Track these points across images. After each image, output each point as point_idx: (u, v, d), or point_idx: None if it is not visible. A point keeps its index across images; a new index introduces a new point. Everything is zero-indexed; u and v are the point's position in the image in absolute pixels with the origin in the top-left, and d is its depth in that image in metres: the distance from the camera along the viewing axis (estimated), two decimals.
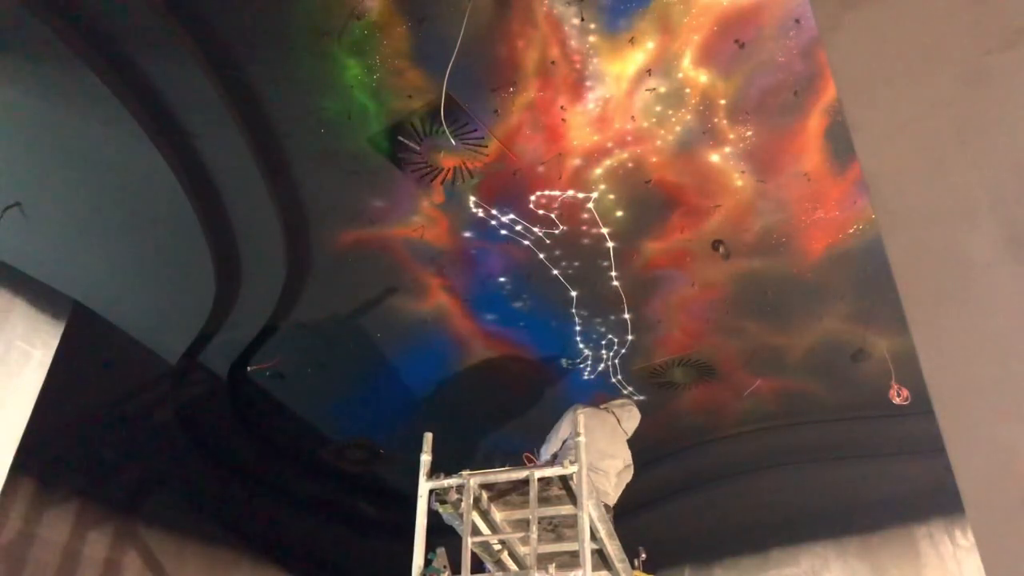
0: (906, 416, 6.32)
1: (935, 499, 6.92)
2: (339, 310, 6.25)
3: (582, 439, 3.82)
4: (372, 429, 7.71)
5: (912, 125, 1.89)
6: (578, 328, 6.32)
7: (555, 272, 5.74)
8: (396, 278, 5.94)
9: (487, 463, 4.11)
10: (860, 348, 6.27)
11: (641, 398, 6.88)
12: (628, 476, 5.26)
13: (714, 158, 4.87)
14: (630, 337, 6.36)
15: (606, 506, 4.73)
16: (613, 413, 5.43)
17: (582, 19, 4.10)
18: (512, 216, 5.36)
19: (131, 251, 5.43)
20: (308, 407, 7.44)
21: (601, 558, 4.34)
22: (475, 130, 4.72)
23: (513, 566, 4.26)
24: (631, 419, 5.50)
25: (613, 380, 6.79)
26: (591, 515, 3.79)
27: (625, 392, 6.84)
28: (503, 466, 3.93)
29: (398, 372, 6.95)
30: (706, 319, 6.22)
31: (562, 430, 5.14)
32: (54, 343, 5.57)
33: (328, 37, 4.21)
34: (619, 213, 5.28)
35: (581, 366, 6.74)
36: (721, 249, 5.39)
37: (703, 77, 4.41)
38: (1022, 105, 1.77)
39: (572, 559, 4.08)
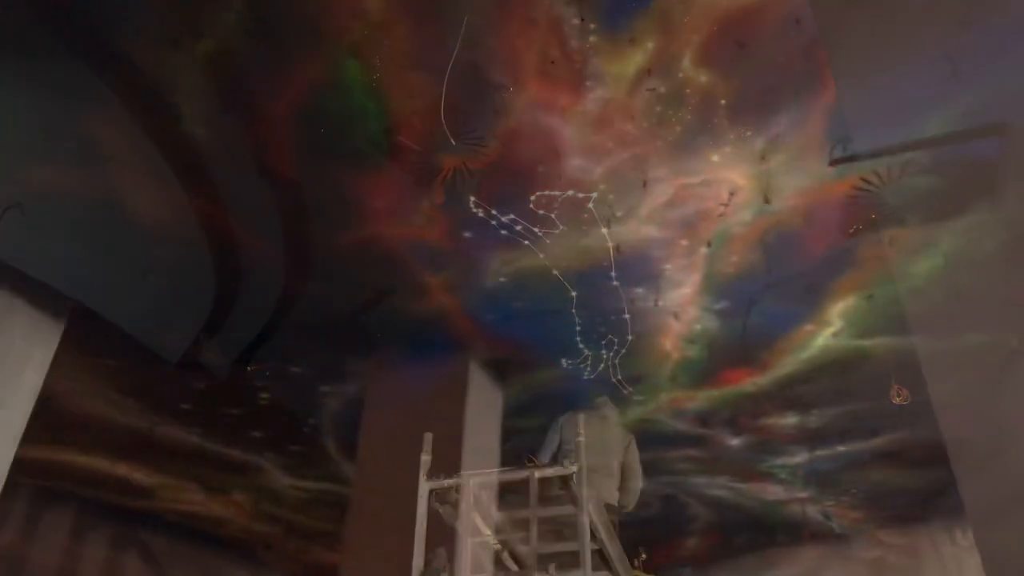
0: (909, 416, 6.32)
1: (935, 499, 6.93)
2: (339, 310, 6.25)
3: (582, 439, 3.81)
4: None
5: (912, 124, 1.90)
6: (578, 328, 6.31)
7: (555, 272, 5.74)
8: (396, 278, 5.94)
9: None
10: (860, 347, 6.27)
11: (641, 398, 6.88)
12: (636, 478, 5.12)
13: (714, 158, 4.87)
14: (630, 337, 6.36)
15: (610, 506, 4.72)
16: (600, 412, 5.36)
17: (582, 19, 4.10)
18: (512, 216, 5.36)
19: (131, 251, 5.43)
20: (308, 407, 7.44)
21: (601, 558, 4.33)
22: (475, 130, 4.72)
23: (513, 566, 4.25)
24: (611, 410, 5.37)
25: (613, 380, 6.78)
26: (591, 515, 3.78)
27: (625, 392, 6.83)
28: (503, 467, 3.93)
29: (398, 371, 6.94)
30: (705, 318, 6.21)
31: (552, 443, 5.08)
32: (54, 343, 5.57)
33: (328, 37, 4.21)
34: (619, 213, 5.28)
35: (581, 366, 6.74)
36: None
37: (703, 77, 4.41)
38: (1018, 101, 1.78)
39: (572, 559, 4.06)
